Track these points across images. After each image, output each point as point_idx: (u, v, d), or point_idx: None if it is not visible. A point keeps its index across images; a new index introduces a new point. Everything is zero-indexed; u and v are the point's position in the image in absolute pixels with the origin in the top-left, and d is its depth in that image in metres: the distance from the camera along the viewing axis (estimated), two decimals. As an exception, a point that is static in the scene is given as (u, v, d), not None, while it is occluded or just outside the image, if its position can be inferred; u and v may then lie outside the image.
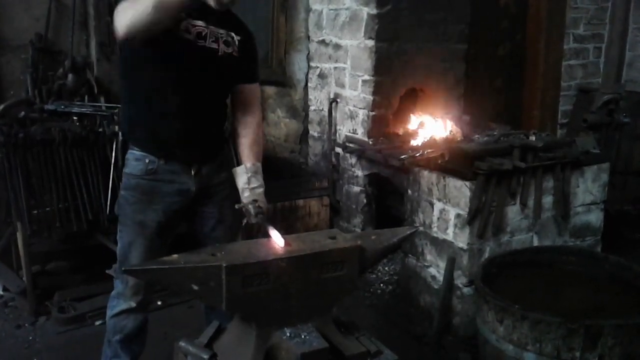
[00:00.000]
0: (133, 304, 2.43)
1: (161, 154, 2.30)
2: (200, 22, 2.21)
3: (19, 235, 3.52)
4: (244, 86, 2.44)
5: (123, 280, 2.43)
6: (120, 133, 3.45)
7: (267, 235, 2.05)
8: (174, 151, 2.31)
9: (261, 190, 2.36)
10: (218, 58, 2.28)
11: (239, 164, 2.44)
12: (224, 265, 1.79)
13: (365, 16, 4.12)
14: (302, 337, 1.88)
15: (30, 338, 3.35)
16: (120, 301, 2.45)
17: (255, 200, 2.29)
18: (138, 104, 2.30)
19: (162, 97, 2.25)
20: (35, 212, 3.46)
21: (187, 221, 2.51)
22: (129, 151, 2.37)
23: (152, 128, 2.29)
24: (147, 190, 2.33)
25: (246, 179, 2.34)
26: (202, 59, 2.24)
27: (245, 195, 2.33)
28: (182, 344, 2.00)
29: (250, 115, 2.47)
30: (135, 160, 2.33)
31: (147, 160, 2.31)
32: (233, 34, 2.32)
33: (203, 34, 2.22)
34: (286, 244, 1.98)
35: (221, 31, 2.28)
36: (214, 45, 2.26)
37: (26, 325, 3.46)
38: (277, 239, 2.00)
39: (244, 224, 2.40)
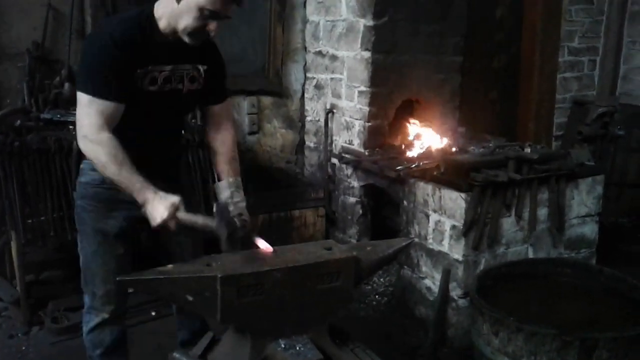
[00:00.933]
0: (106, 316, 2.39)
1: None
2: (167, 67, 2.19)
3: (13, 244, 3.50)
4: (214, 107, 2.45)
5: (89, 292, 2.40)
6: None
7: (254, 247, 2.06)
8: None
9: (244, 204, 2.36)
10: (182, 96, 2.29)
11: (218, 179, 2.43)
12: (219, 275, 1.79)
13: (361, 28, 4.14)
14: (297, 348, 1.88)
15: (24, 348, 3.32)
16: (92, 315, 2.41)
17: (240, 214, 2.29)
18: None
19: (122, 129, 2.19)
20: (30, 221, 3.45)
21: (149, 230, 2.39)
22: (84, 161, 2.32)
23: None
24: (105, 198, 2.29)
25: (229, 194, 2.34)
26: (166, 101, 2.24)
27: (230, 210, 2.31)
28: (176, 355, 2.00)
29: (223, 132, 2.46)
30: (92, 170, 2.26)
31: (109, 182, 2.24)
32: (199, 67, 2.29)
33: (169, 77, 2.21)
34: (272, 251, 2.00)
35: (187, 67, 2.26)
36: (179, 86, 2.25)
37: (19, 335, 3.44)
38: (264, 247, 2.02)
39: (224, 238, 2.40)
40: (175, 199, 2.06)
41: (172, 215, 2.03)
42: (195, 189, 3.71)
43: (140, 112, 2.20)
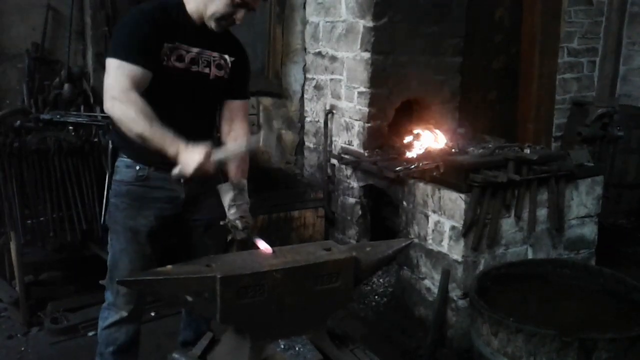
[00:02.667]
0: (125, 314, 2.42)
1: (151, 162, 2.31)
2: (194, 49, 2.27)
3: (12, 245, 3.50)
4: (232, 102, 2.47)
5: (114, 290, 2.42)
6: (110, 141, 3.44)
7: (254, 248, 2.07)
8: (163, 161, 2.30)
9: (247, 207, 2.37)
10: (209, 82, 2.34)
11: (225, 179, 2.44)
12: (219, 276, 1.79)
13: (361, 29, 4.15)
14: (297, 349, 1.89)
15: (23, 349, 3.32)
16: (111, 312, 2.44)
17: (242, 217, 2.31)
18: None
19: (152, 107, 2.24)
20: (29, 221, 3.45)
21: (177, 232, 2.51)
22: (119, 159, 2.39)
23: None
24: (138, 196, 2.34)
25: (232, 196, 2.35)
26: (193, 83, 2.30)
27: (232, 212, 2.34)
28: (175, 355, 2.00)
29: (236, 131, 2.48)
30: (126, 168, 2.35)
31: (137, 167, 2.33)
32: (226, 56, 2.37)
33: (196, 59, 2.28)
34: (273, 252, 2.00)
35: (215, 54, 2.33)
36: (206, 70, 2.32)
37: (18, 335, 3.43)
38: (265, 248, 2.02)
39: (228, 239, 2.40)
40: (206, 144, 2.06)
41: (207, 158, 2.02)
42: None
43: (169, 93, 2.24)
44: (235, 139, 2.45)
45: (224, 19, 2.21)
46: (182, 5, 2.24)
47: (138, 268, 2.33)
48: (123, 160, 2.37)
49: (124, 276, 2.32)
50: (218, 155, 2.06)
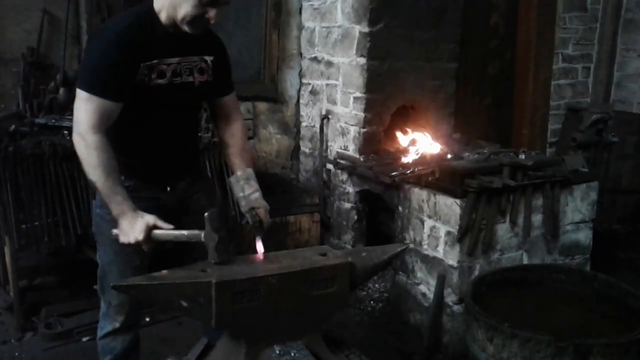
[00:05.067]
0: (117, 325, 2.39)
1: (135, 174, 2.29)
2: (174, 59, 2.20)
3: (6, 250, 3.48)
4: (223, 99, 2.45)
5: (105, 300, 2.40)
6: None
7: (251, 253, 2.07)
8: (148, 174, 2.31)
9: (257, 194, 2.30)
10: (195, 89, 2.29)
11: (231, 172, 2.42)
12: (214, 281, 1.78)
13: (357, 34, 4.16)
14: (292, 354, 1.88)
15: (16, 354, 3.30)
16: (106, 322, 2.42)
17: (252, 209, 2.25)
18: (110, 132, 2.19)
19: (137, 130, 2.24)
20: (24, 226, 3.43)
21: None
22: None
23: (126, 154, 2.25)
24: None
25: (240, 187, 2.30)
26: (178, 94, 2.24)
27: (243, 205, 2.29)
28: (170, 361, 1.99)
29: (233, 124, 2.45)
30: None
31: (122, 178, 2.23)
32: (206, 57, 2.31)
33: (178, 70, 2.22)
34: (263, 256, 1.99)
35: (195, 59, 2.27)
36: (190, 79, 2.26)
37: (12, 340, 3.41)
38: (260, 252, 2.02)
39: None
40: (150, 218, 2.03)
41: (147, 237, 2.00)
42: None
43: (153, 109, 2.20)
44: (232, 134, 2.43)
45: (197, 20, 2.09)
46: (154, 15, 2.14)
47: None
48: None
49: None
50: (162, 234, 2.03)
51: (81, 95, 2.08)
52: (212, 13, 2.09)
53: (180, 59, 2.22)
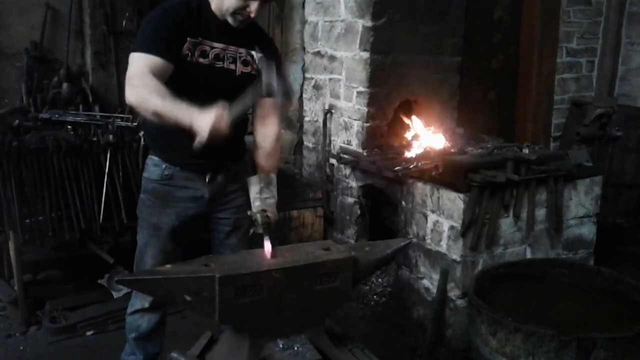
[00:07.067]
0: (146, 304, 2.55)
1: (177, 162, 2.41)
2: (219, 45, 2.32)
3: (10, 244, 3.50)
4: (263, 100, 2.42)
5: None
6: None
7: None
8: (189, 162, 2.39)
9: (272, 201, 2.35)
10: (235, 78, 2.37)
11: (254, 172, 2.46)
12: (217, 276, 1.78)
13: (360, 28, 4.15)
14: (295, 348, 1.88)
15: (21, 348, 3.32)
16: (136, 300, 2.58)
17: (264, 210, 2.28)
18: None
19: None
20: (28, 220, 3.45)
21: (204, 227, 2.61)
22: (149, 157, 2.50)
23: (170, 140, 2.36)
24: (162, 195, 2.44)
25: (258, 189, 2.34)
26: (219, 80, 2.33)
27: (256, 205, 2.32)
28: (174, 355, 1.99)
29: (267, 128, 2.49)
30: (154, 166, 2.46)
31: (163, 166, 2.42)
32: (253, 52, 2.39)
33: (221, 55, 2.33)
34: (272, 255, 1.98)
35: (241, 50, 2.38)
36: (232, 66, 2.36)
37: (17, 334, 3.43)
38: (266, 250, 2.01)
39: (251, 233, 2.41)
40: (220, 104, 2.04)
41: (220, 116, 2.00)
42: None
43: (194, 90, 2.23)
44: (265, 136, 2.47)
45: (238, 13, 2.25)
46: (206, 2, 2.30)
47: (160, 263, 2.42)
48: (152, 159, 2.48)
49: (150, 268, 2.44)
50: (231, 111, 2.04)
51: (134, 57, 2.20)
52: (253, 6, 2.23)
53: (225, 47, 2.34)
